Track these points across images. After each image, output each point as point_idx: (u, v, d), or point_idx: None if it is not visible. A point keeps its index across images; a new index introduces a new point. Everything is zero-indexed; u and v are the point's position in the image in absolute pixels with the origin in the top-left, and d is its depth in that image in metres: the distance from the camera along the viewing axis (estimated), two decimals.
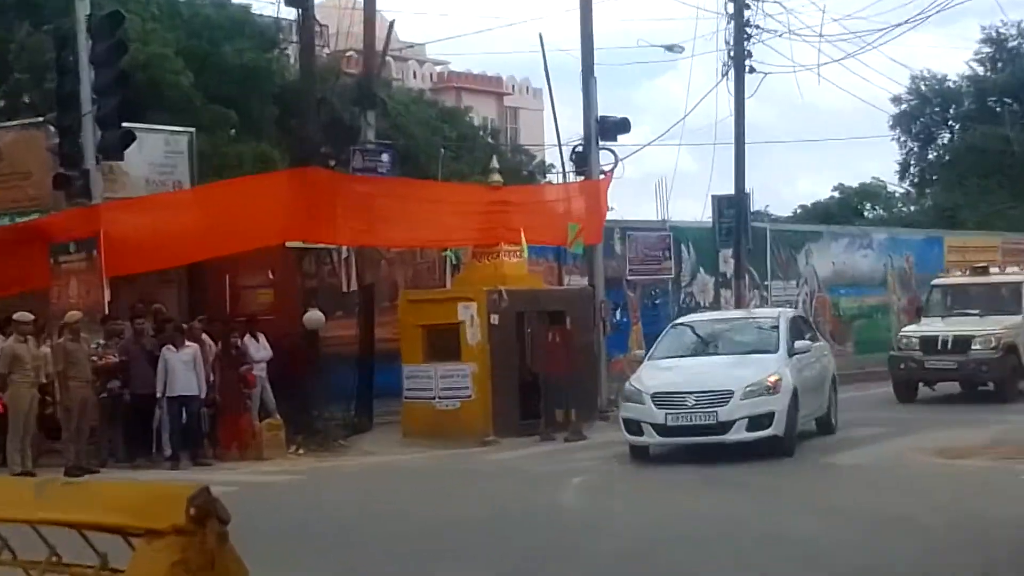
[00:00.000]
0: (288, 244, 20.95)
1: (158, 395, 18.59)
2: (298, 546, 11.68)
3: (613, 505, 14.15)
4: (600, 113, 24.54)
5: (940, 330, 24.10)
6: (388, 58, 35.32)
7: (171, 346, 18.69)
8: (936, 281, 26.67)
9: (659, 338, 19.58)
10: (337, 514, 14.06)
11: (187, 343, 18.82)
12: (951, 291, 25.94)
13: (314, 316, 20.67)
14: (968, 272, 26.34)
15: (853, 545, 11.14)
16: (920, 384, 24.43)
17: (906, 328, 25.67)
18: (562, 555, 11.34)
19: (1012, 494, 13.78)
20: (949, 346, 23.58)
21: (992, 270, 26.41)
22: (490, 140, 38.93)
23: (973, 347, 23.39)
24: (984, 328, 23.75)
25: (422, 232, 22.10)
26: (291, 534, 12.19)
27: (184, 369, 18.57)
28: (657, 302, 28.34)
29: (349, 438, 20.63)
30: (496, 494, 15.24)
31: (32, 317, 18.14)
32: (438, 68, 60.86)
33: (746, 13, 28.29)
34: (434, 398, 20.82)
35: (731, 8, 28.25)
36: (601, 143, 24.56)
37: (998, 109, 55.43)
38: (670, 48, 29.85)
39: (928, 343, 23.84)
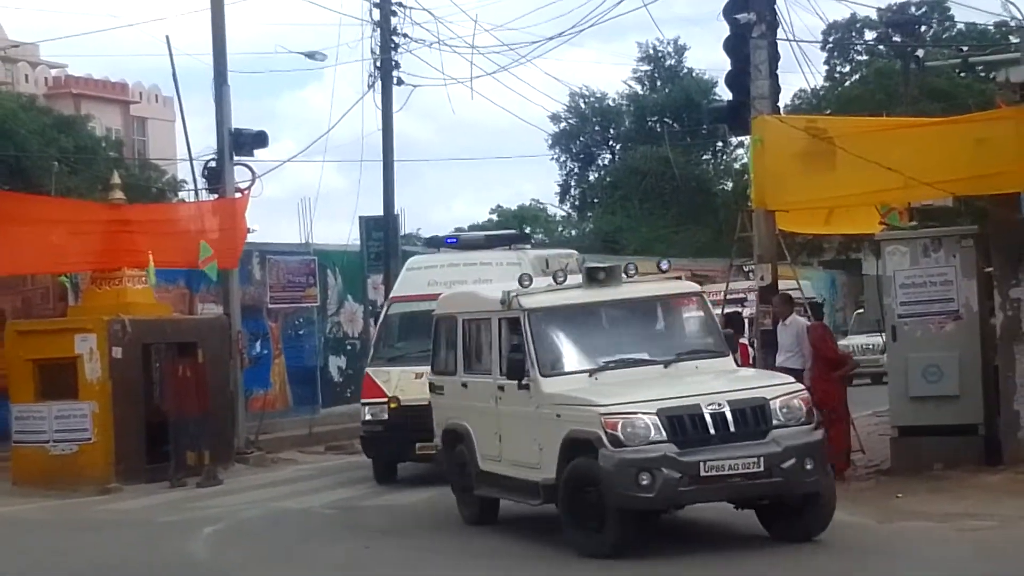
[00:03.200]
0: None
1: None
2: None
3: (248, 557, 14.05)
4: (236, 125, 24.46)
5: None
6: None
7: None
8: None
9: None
10: None
11: None
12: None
13: None
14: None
15: None
16: None
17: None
18: None
19: None
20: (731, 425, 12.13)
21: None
22: (113, 153, 38.02)
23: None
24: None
25: (30, 255, 21.43)
26: None
27: None
28: (301, 332, 28.32)
29: None
30: (115, 549, 14.95)
31: None
32: (54, 71, 58.95)
33: (393, 21, 28.63)
34: (48, 441, 20.37)
35: (377, 15, 28.53)
36: (236, 158, 24.46)
37: (658, 129, 58.03)
38: (311, 55, 29.81)
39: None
